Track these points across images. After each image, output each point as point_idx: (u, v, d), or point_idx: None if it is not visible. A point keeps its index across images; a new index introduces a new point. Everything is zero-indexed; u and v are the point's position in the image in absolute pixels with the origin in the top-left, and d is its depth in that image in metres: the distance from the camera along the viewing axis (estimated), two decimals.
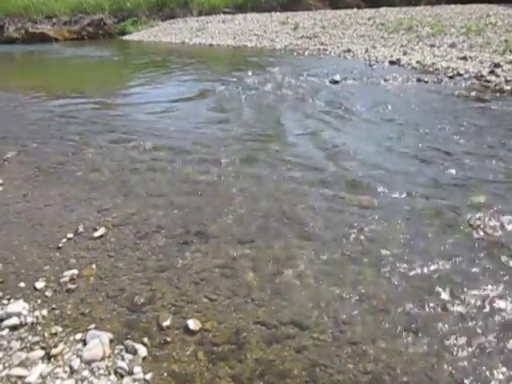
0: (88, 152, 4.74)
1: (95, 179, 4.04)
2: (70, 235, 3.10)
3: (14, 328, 2.23)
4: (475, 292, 2.38)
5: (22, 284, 2.60)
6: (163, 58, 12.43)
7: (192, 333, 2.18)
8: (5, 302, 2.43)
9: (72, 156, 4.66)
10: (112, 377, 1.93)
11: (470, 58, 8.43)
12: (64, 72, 11.98)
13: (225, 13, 20.11)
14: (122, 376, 1.94)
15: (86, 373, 1.95)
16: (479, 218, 3.05)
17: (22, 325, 2.26)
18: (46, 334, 2.19)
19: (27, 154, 4.82)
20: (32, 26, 20.40)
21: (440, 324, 2.17)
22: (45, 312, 2.35)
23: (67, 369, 1.97)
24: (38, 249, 2.97)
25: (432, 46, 10.01)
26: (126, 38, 19.30)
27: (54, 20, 20.95)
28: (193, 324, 2.21)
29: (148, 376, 1.93)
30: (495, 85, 6.68)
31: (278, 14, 18.22)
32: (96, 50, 15.83)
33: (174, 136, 5.14)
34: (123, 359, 2.03)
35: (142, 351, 2.06)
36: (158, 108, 6.54)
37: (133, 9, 20.74)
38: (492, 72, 7.25)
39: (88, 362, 2.00)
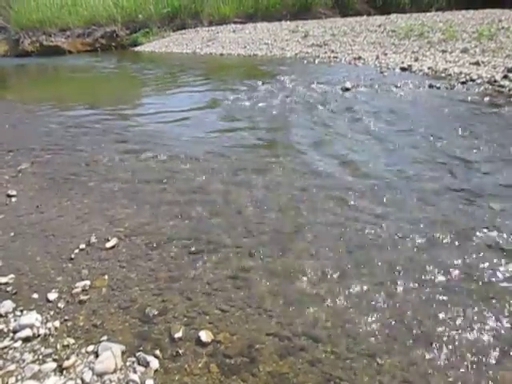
0: (100, 163, 4.77)
1: (107, 190, 4.07)
2: (82, 246, 3.11)
3: (26, 340, 2.23)
4: (495, 303, 2.32)
5: (35, 295, 2.61)
6: (175, 68, 12.54)
7: (204, 345, 2.15)
8: (18, 313, 2.44)
9: (85, 167, 4.70)
10: None
11: (483, 63, 8.33)
12: (77, 83, 12.14)
13: (235, 22, 20.26)
14: None
15: None
16: (495, 225, 3.00)
17: (34, 336, 2.26)
18: (59, 346, 2.19)
19: (41, 165, 4.88)
20: (46, 38, 20.75)
21: (459, 336, 2.12)
22: (57, 323, 2.35)
23: (79, 381, 1.96)
24: (51, 260, 2.98)
25: (444, 51, 9.93)
26: (138, 49, 19.53)
27: (68, 33, 21.28)
28: (205, 336, 2.19)
29: None
30: (509, 89, 6.59)
31: (288, 22, 18.27)
32: (109, 62, 16.04)
33: (186, 145, 5.15)
34: (135, 371, 2.01)
35: (154, 363, 2.04)
36: (169, 118, 6.57)
37: (145, 20, 21.03)
38: (506, 77, 7.15)
39: (100, 375, 1.99)
